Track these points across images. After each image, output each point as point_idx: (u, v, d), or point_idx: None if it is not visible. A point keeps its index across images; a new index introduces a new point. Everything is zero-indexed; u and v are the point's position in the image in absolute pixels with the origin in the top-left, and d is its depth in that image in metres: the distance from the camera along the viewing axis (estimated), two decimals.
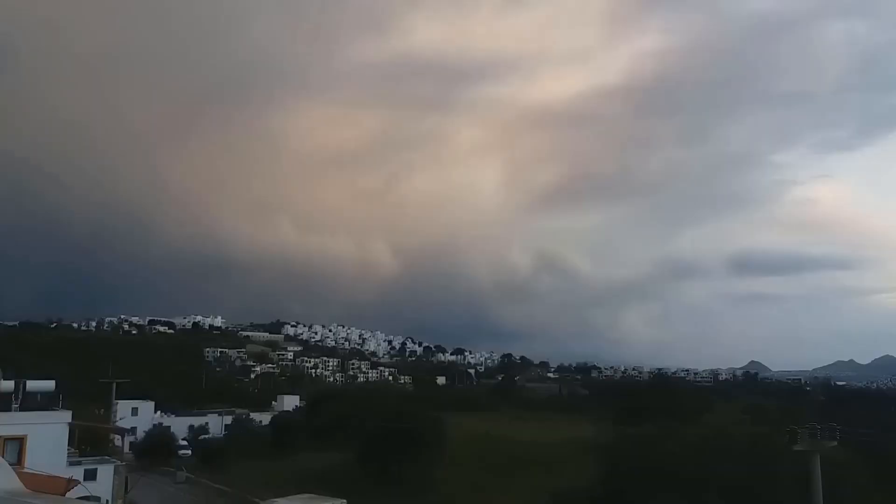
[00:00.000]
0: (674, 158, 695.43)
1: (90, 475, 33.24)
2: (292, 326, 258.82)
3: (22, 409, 31.99)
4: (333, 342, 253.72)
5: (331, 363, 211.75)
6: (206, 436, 75.57)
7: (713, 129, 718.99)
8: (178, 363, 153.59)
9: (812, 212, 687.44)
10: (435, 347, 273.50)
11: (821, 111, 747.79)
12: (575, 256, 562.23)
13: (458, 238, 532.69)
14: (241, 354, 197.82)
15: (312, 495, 6.69)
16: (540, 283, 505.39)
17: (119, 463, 36.48)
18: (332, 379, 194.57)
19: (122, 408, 68.69)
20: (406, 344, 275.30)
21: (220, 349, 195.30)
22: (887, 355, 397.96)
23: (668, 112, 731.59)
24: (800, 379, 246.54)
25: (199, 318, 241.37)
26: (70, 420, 33.14)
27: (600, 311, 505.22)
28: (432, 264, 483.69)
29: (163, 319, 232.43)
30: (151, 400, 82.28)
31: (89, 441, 46.07)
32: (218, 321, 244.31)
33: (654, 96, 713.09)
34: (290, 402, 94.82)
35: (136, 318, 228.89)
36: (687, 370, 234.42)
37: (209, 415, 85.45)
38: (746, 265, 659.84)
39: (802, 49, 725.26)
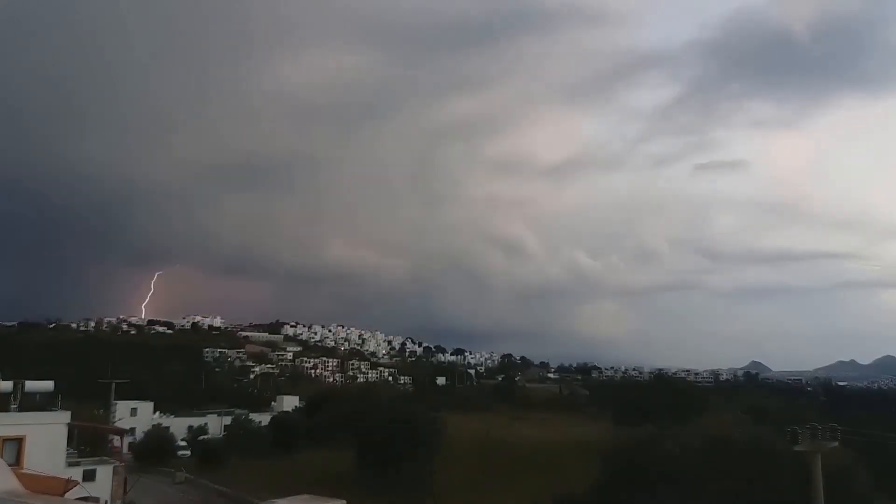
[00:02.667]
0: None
1: (89, 476, 33.12)
2: (291, 326, 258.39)
3: (20, 409, 31.84)
4: (333, 342, 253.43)
5: (330, 363, 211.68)
6: (206, 436, 75.51)
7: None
8: (177, 364, 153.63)
9: (811, 206, 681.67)
10: (435, 348, 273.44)
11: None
12: (567, 249, 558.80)
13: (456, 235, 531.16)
14: (241, 355, 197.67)
15: (312, 496, 6.62)
16: (538, 279, 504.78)
17: (118, 463, 36.35)
18: (331, 379, 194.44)
19: (121, 408, 68.71)
20: (406, 344, 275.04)
21: (219, 349, 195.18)
22: (888, 355, 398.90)
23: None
24: (801, 379, 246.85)
25: (198, 318, 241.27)
26: (69, 420, 32.96)
27: (597, 311, 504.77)
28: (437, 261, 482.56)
29: (161, 320, 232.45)
30: (150, 400, 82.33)
31: (88, 441, 45.83)
32: (217, 321, 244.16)
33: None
34: (290, 402, 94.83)
35: (135, 318, 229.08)
36: (687, 370, 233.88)
37: (208, 415, 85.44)
38: (745, 259, 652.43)
39: None
